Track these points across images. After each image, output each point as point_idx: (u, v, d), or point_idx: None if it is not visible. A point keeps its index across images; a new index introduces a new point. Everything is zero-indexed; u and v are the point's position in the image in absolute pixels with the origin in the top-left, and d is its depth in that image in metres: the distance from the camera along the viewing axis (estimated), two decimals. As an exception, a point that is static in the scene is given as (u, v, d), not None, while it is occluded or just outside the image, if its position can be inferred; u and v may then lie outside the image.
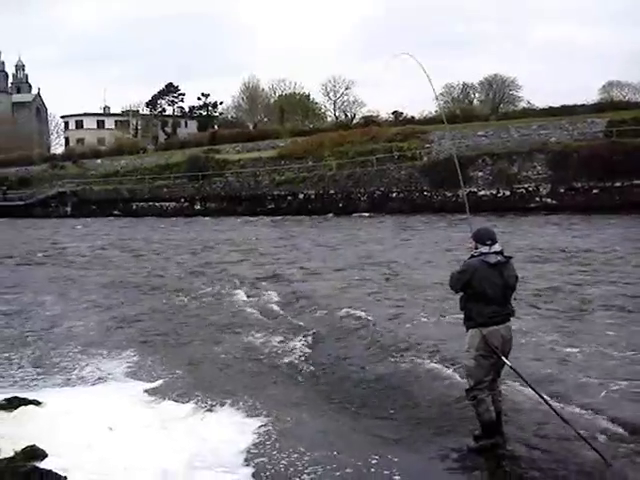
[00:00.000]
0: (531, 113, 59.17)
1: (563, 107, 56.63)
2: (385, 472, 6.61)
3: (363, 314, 13.20)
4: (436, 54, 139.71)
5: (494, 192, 42.03)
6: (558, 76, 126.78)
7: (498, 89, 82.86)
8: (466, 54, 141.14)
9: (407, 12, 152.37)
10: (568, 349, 10.22)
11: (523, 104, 75.77)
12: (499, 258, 6.83)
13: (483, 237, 6.92)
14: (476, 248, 6.92)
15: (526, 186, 41.10)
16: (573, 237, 25.73)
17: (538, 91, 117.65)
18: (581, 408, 7.74)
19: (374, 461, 6.85)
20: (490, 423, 6.86)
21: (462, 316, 7.11)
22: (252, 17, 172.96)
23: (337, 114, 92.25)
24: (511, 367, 6.90)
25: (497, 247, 6.86)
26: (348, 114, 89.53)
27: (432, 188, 43.55)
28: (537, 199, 40.54)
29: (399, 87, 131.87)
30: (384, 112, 75.77)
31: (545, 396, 7.07)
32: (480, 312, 6.79)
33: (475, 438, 7.03)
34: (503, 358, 6.83)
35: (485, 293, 6.74)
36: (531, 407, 7.69)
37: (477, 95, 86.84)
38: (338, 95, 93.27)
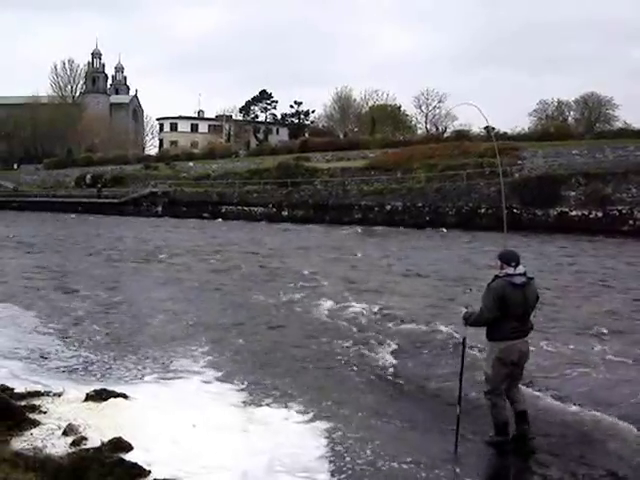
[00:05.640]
0: (628, 133, 57.59)
1: (661, 129, 54.91)
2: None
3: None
4: (533, 70, 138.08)
5: (586, 213, 41.00)
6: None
7: (594, 108, 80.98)
8: (563, 72, 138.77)
9: (505, 29, 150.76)
10: None
11: (619, 124, 73.74)
12: (523, 279, 7.44)
13: (509, 259, 7.49)
14: (501, 269, 7.51)
15: (620, 208, 39.98)
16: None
17: (636, 112, 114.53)
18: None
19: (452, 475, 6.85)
20: (502, 424, 7.61)
21: None
22: (347, 28, 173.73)
23: (428, 127, 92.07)
24: None
25: (521, 268, 7.47)
26: (439, 127, 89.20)
27: (522, 206, 42.53)
28: (630, 222, 39.38)
29: (492, 104, 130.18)
30: (476, 127, 75.06)
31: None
32: (501, 328, 7.44)
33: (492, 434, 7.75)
34: None
35: (507, 311, 7.36)
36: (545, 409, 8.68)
37: (572, 113, 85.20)
38: (430, 108, 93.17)
